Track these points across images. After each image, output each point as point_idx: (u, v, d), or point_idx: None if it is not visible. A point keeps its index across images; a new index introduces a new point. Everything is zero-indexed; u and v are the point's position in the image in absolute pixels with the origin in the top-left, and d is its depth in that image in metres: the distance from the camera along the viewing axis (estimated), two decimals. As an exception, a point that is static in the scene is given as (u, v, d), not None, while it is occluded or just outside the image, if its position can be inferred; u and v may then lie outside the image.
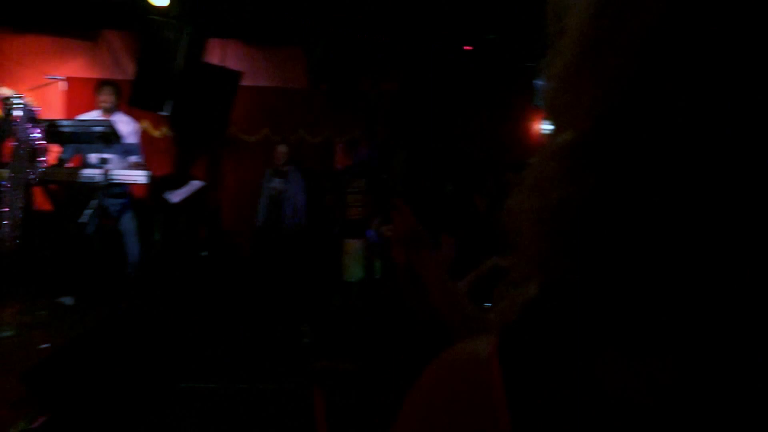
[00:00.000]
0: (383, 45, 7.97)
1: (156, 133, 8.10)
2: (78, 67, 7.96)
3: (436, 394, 0.53)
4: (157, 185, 7.44)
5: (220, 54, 7.97)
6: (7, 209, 5.08)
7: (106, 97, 6.42)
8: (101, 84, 6.55)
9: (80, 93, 7.58)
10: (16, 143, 5.23)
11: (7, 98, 5.48)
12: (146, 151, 7.49)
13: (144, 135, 7.80)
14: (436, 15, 7.26)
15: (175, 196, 6.93)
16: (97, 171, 5.99)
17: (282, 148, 7.77)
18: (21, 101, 5.30)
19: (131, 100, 7.05)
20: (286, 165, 7.72)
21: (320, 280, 7.42)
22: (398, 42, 7.93)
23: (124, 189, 6.39)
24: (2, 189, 5.13)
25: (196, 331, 5.33)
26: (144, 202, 7.51)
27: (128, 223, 6.46)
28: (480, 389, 0.49)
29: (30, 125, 5.33)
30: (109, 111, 6.43)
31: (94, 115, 6.47)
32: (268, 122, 8.34)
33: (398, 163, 8.03)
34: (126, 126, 6.44)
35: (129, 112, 6.77)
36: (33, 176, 5.44)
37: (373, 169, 7.99)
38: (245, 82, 7.64)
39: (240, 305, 6.44)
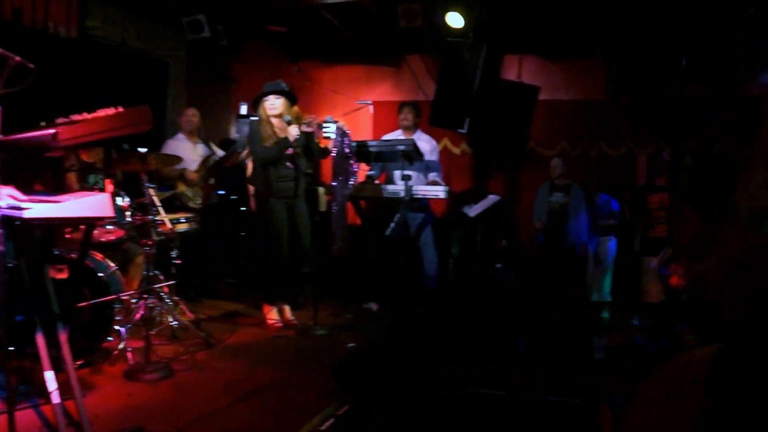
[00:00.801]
0: (686, 49, 7.37)
1: (456, 151, 8.37)
2: (384, 91, 8.57)
3: (663, 382, 0.71)
4: (456, 200, 7.68)
5: (516, 70, 8.02)
6: (337, 224, 5.56)
7: (406, 116, 6.77)
8: (402, 105, 6.94)
9: (385, 115, 8.14)
10: (334, 164, 5.74)
11: (325, 123, 6.04)
12: (446, 167, 7.78)
13: (444, 152, 8.11)
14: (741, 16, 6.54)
15: (473, 211, 7.06)
16: (400, 187, 6.32)
17: (556, 162, 7.56)
18: (336, 126, 5.79)
19: (432, 120, 7.36)
20: (563, 178, 7.48)
21: (618, 297, 7.07)
22: (702, 45, 7.27)
23: (424, 204, 6.67)
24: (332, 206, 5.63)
25: (487, 339, 5.34)
26: (443, 217, 7.79)
27: (427, 236, 6.73)
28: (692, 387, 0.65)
29: (344, 146, 5.82)
30: (409, 129, 6.77)
31: (396, 134, 6.87)
32: (565, 136, 8.16)
33: (686, 171, 7.33)
34: (426, 144, 6.74)
35: (429, 131, 7.08)
36: (347, 193, 5.91)
37: (678, 183, 7.42)
38: (542, 96, 7.56)
39: (532, 317, 6.34)
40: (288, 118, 5.47)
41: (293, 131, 5.39)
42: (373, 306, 6.40)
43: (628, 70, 7.48)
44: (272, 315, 5.63)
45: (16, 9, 5.64)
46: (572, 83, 8.11)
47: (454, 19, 7.01)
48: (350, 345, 5.02)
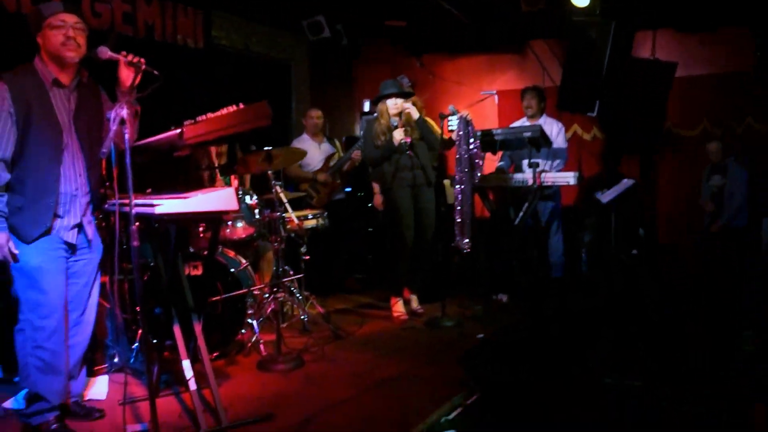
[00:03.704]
0: None
1: (586, 136, 8.02)
2: (508, 80, 8.36)
3: None
4: (588, 186, 7.36)
5: (649, 46, 7.56)
6: (459, 216, 5.47)
7: (529, 102, 6.59)
8: (523, 91, 6.73)
9: (511, 104, 7.92)
10: (458, 155, 5.62)
11: (449, 114, 5.94)
12: (576, 153, 7.48)
13: (574, 138, 7.81)
14: None
15: (606, 196, 6.74)
16: (528, 175, 6.14)
17: (712, 146, 7.08)
18: (459, 116, 5.68)
19: (559, 104, 7.08)
20: (724, 159, 6.98)
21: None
22: None
23: (553, 191, 6.44)
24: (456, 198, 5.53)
25: (622, 328, 5.08)
26: (575, 204, 7.50)
27: (555, 224, 6.52)
28: None
29: (468, 137, 5.69)
30: (533, 116, 6.58)
31: (521, 122, 6.69)
32: (707, 113, 7.59)
33: None
34: (551, 126, 6.52)
35: (558, 117, 6.83)
36: (473, 183, 5.78)
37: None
38: (679, 72, 7.06)
39: (672, 305, 5.96)
40: (395, 122, 5.46)
41: (397, 136, 5.39)
42: (503, 297, 6.24)
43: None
44: (398, 307, 5.62)
45: (148, 26, 5.98)
46: (713, 56, 7.51)
47: (579, -3, 6.71)
48: (479, 336, 4.92)
